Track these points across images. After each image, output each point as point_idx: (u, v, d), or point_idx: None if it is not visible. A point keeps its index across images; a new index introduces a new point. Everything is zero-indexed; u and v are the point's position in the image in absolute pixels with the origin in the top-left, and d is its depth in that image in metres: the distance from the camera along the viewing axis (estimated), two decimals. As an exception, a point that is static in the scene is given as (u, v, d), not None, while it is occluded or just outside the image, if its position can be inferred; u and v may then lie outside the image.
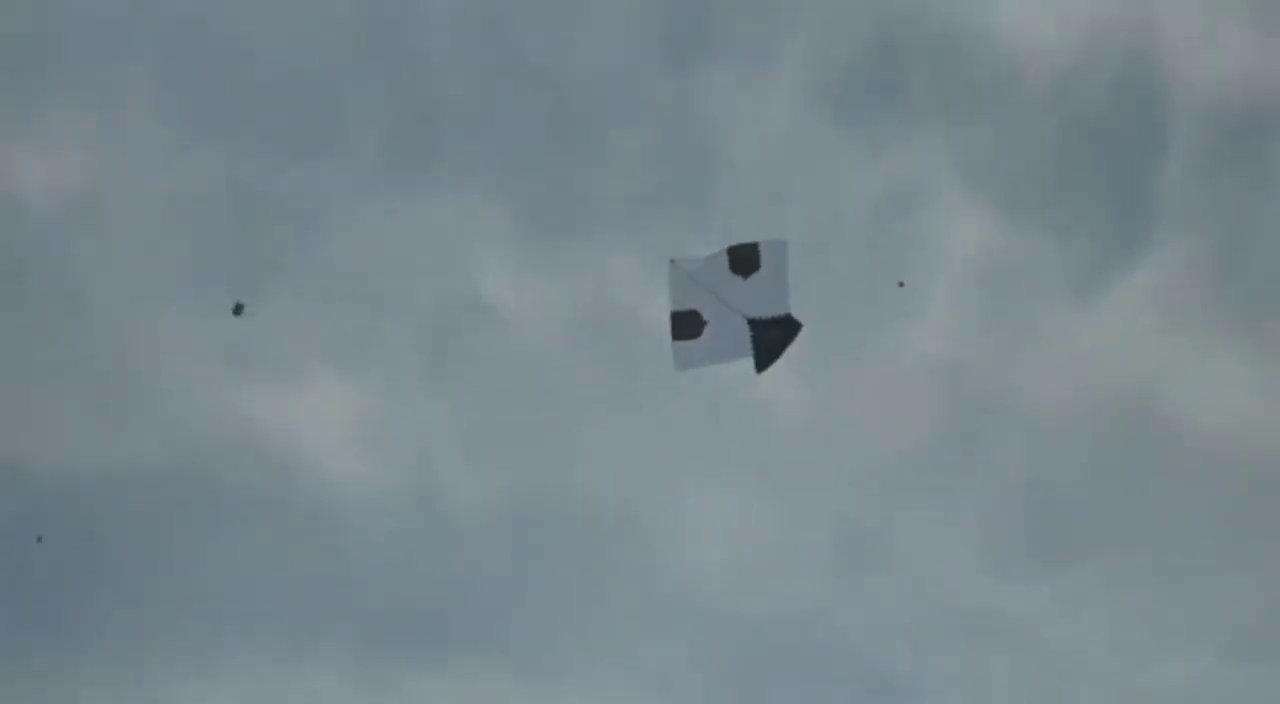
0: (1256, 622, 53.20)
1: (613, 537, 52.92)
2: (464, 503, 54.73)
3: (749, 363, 28.42)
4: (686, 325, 26.44)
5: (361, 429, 55.43)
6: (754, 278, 26.65)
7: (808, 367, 51.35)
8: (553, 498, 54.03)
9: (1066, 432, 55.11)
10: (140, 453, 53.28)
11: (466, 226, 56.89)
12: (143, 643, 52.14)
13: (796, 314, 27.72)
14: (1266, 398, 56.09)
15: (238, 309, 35.21)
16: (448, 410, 55.26)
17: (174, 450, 53.25)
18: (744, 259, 26.12)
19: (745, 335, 27.52)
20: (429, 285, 56.95)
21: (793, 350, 45.85)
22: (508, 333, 55.65)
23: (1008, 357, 55.47)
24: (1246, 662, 52.87)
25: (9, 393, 52.74)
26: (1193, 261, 56.82)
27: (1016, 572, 54.21)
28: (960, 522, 52.87)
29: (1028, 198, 56.11)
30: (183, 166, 55.43)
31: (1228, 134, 57.33)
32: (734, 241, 27.10)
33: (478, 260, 57.11)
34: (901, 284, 41.79)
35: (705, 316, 25.96)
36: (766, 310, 26.85)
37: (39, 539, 47.93)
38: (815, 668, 51.90)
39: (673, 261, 27.19)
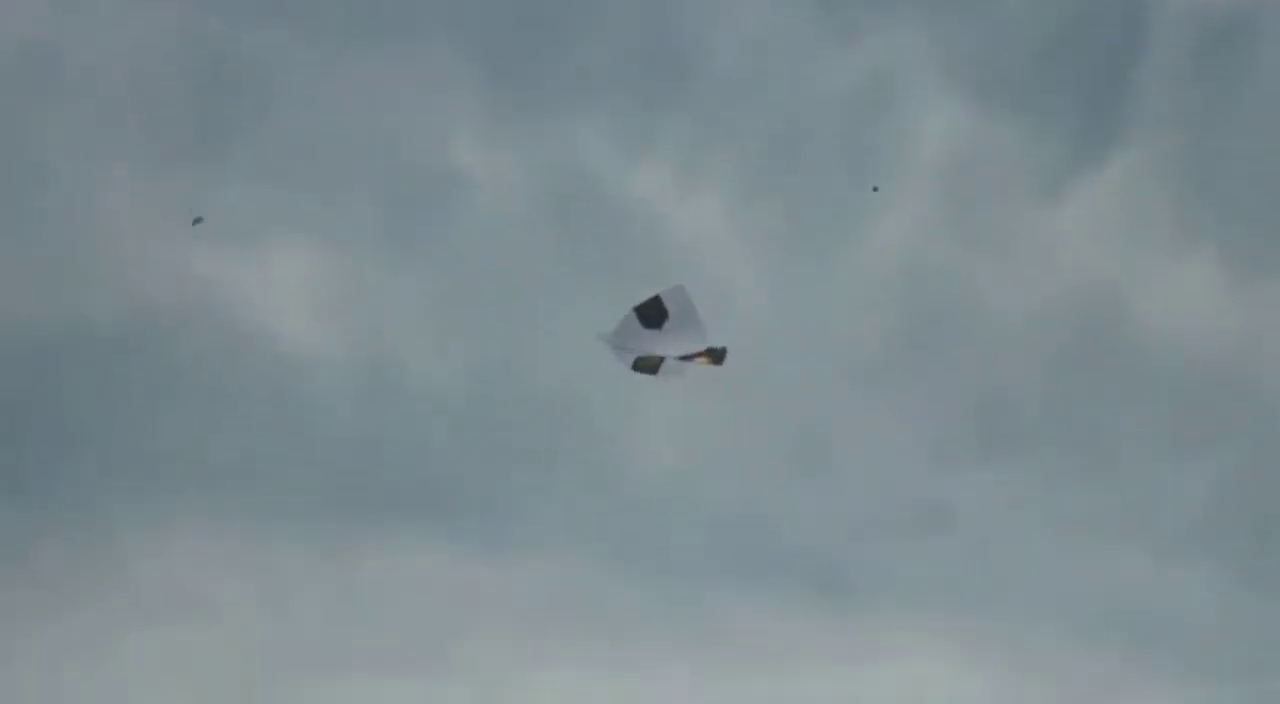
0: (1195, 523, 53.80)
1: (567, 421, 53.00)
2: (422, 374, 54.68)
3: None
4: (648, 365, 29.25)
5: (322, 296, 55.20)
6: (667, 326, 29.06)
7: (770, 265, 51.34)
8: (511, 376, 54.04)
9: (1026, 332, 55.26)
10: (94, 311, 53.01)
11: (435, 92, 56.28)
12: (97, 502, 52.25)
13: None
14: (1230, 303, 56.25)
15: (196, 221, 35.48)
16: (410, 280, 55.03)
17: (129, 310, 52.96)
18: (651, 313, 28.31)
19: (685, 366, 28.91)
20: (394, 151, 56.48)
21: (758, 243, 46.28)
22: (474, 202, 55.31)
23: (972, 255, 55.48)
24: (1184, 563, 53.59)
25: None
26: (1163, 163, 56.70)
27: (965, 468, 54.61)
28: (913, 420, 53.12)
29: (1003, 92, 55.80)
30: (140, 24, 54.53)
31: (1205, 37, 56.96)
32: (639, 301, 28.85)
33: (445, 127, 56.58)
34: (876, 189, 43.21)
35: (657, 354, 28.98)
36: (690, 349, 29.27)
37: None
38: (764, 560, 52.38)
39: (599, 336, 29.84)
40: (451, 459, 53.36)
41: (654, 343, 29.36)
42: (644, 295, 30.42)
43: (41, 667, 47.80)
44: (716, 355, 30.35)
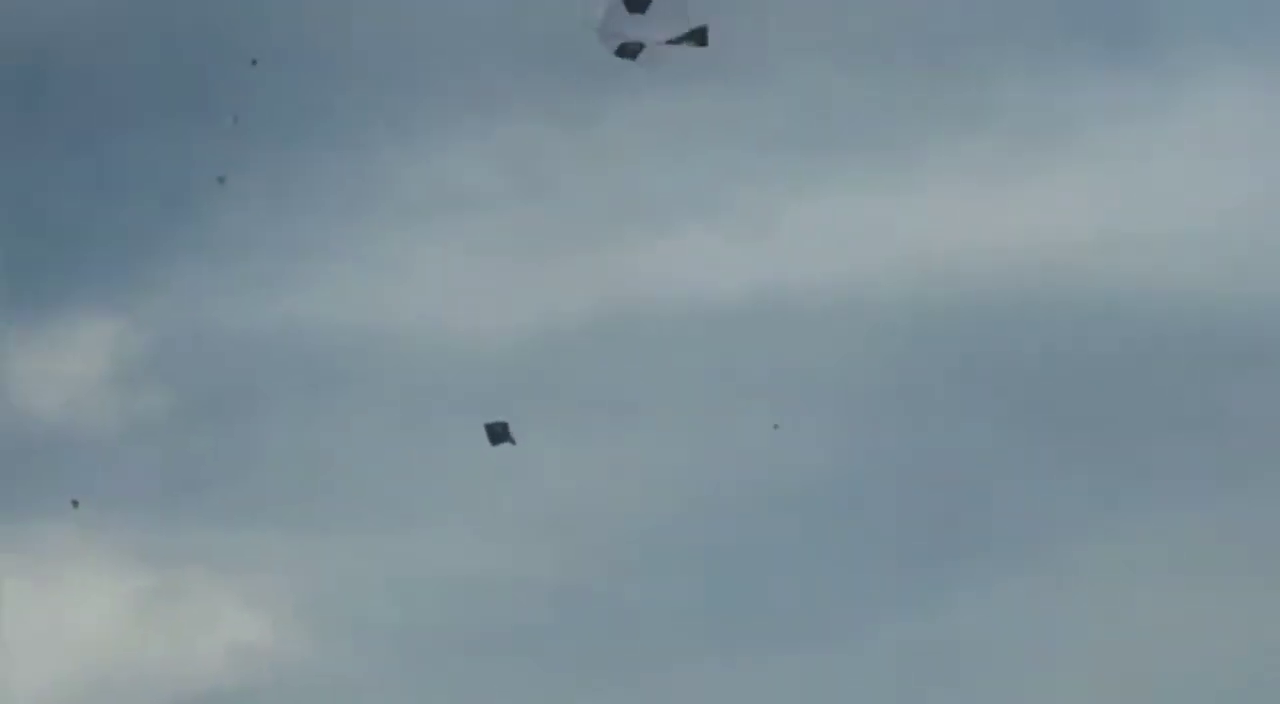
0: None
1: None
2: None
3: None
4: (629, 50, 30.69)
5: None
6: (651, 10, 30.55)
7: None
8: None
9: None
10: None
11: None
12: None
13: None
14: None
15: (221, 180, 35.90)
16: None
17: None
18: None
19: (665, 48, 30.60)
20: None
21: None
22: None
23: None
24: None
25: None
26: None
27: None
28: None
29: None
30: None
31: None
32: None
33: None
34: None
35: (638, 40, 30.45)
36: (675, 31, 30.66)
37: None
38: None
39: (585, 23, 30.93)
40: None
41: (640, 27, 30.35)
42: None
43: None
44: (699, 35, 30.92)
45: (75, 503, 40.32)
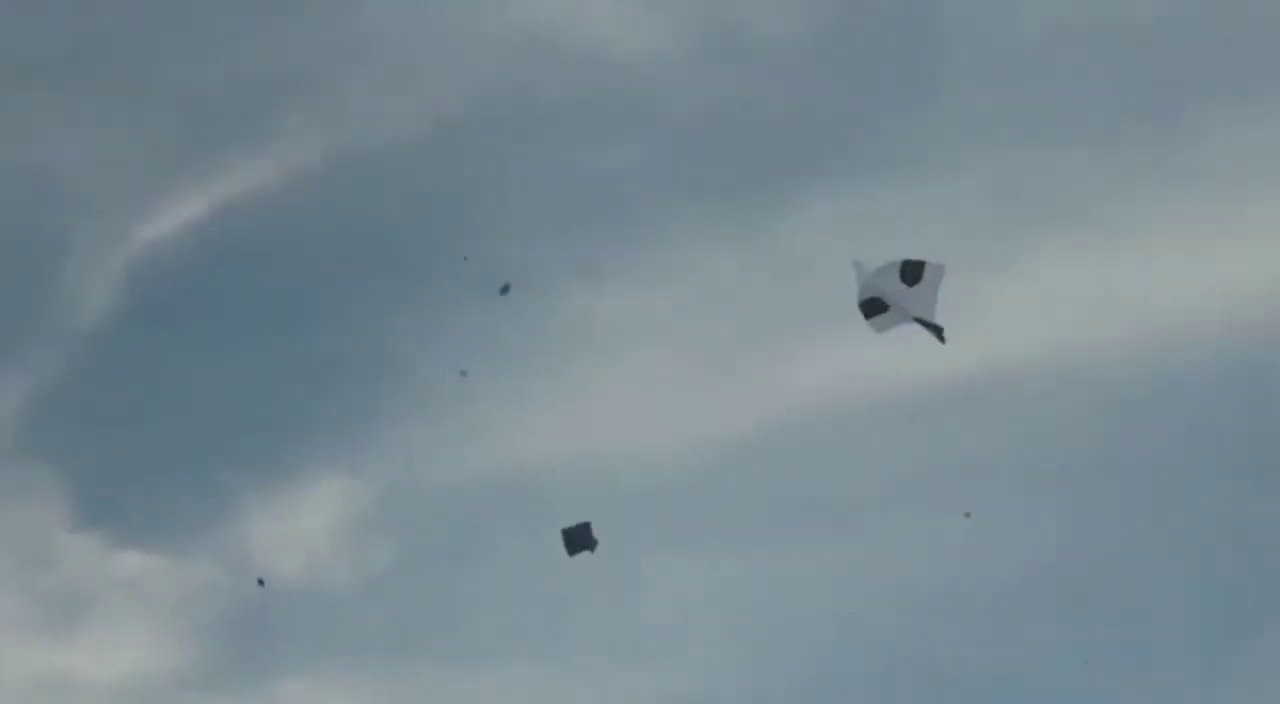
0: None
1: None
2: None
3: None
4: (873, 308, 34.06)
5: None
6: (916, 288, 34.19)
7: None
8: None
9: None
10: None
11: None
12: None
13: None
14: None
15: (504, 289, 37.57)
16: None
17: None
18: (913, 272, 33.90)
19: (909, 317, 34.11)
20: None
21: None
22: None
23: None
24: None
25: None
26: None
27: None
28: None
29: None
30: None
31: None
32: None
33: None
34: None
35: (886, 301, 33.97)
36: (922, 313, 34.15)
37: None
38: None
39: (856, 263, 34.29)
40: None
41: (896, 294, 33.84)
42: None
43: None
44: (937, 331, 33.83)
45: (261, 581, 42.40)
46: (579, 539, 35.44)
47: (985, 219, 44.57)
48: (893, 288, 33.51)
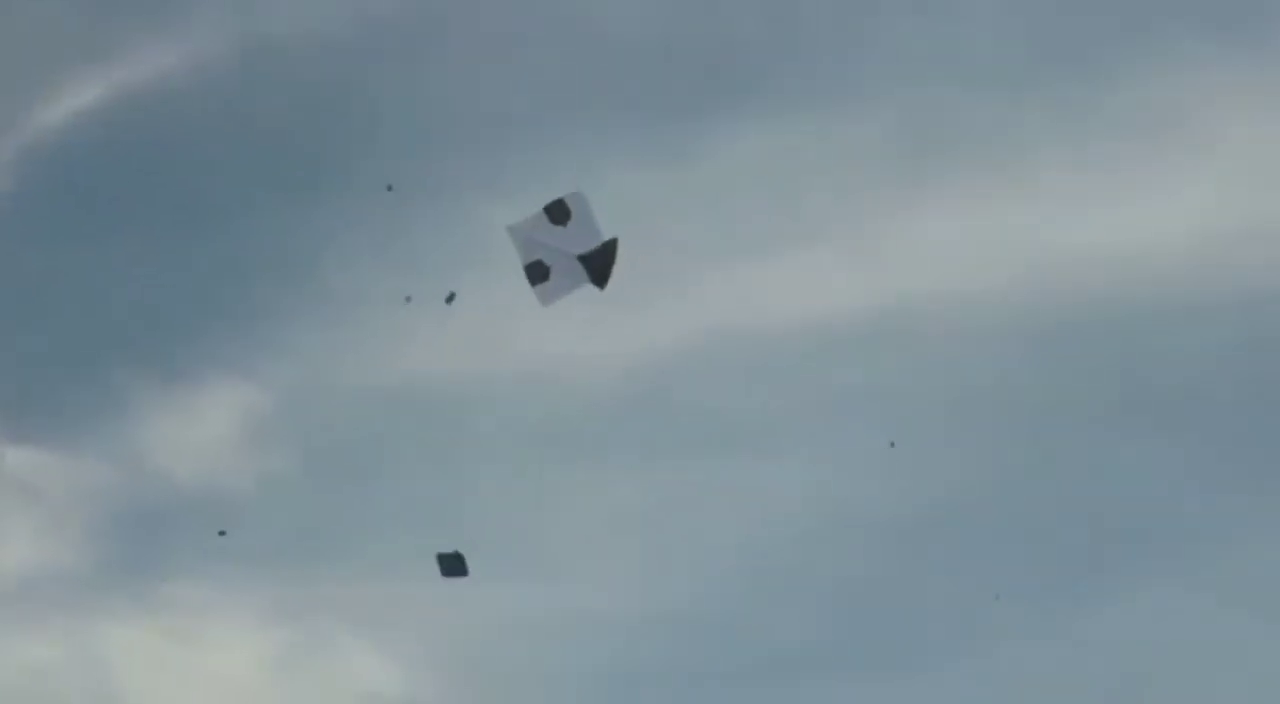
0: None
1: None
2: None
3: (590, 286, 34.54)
4: (537, 273, 34.40)
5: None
6: (570, 224, 34.46)
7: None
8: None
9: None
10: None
11: None
12: None
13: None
14: None
15: (449, 298, 37.52)
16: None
17: None
18: (557, 212, 34.20)
19: (579, 268, 34.30)
20: None
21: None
22: None
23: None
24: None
25: None
26: None
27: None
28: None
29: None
30: None
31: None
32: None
33: None
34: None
35: (547, 262, 34.20)
36: (587, 246, 34.36)
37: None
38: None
39: (510, 228, 34.39)
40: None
41: (558, 238, 34.12)
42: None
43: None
44: (608, 247, 33.95)
45: (222, 532, 41.58)
46: (453, 566, 36.36)
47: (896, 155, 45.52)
48: (549, 237, 33.84)
